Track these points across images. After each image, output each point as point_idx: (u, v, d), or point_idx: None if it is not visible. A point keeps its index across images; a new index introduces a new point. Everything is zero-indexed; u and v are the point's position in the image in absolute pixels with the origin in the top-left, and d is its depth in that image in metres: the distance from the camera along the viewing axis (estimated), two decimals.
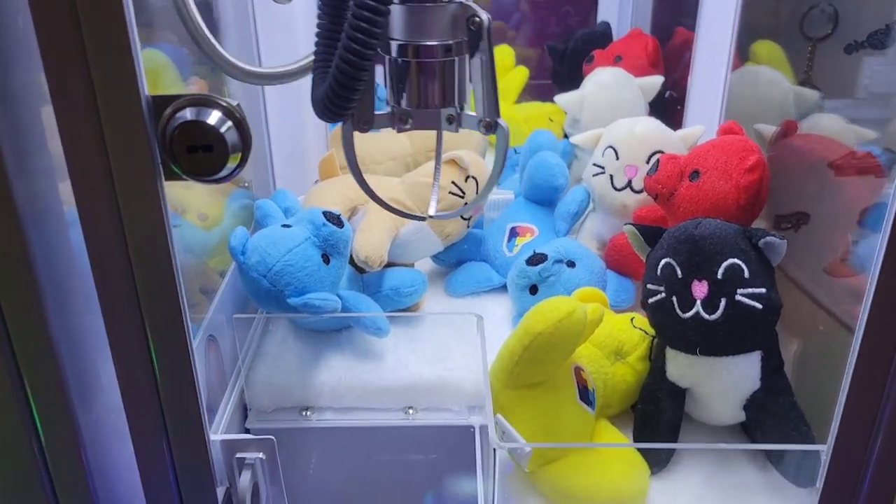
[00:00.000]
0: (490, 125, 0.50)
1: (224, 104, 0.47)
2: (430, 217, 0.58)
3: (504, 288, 1.00)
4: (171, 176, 0.49)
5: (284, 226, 0.84)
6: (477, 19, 0.48)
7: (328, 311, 0.80)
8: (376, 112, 0.52)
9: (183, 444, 0.58)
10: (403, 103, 0.51)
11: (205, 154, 0.47)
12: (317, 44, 0.50)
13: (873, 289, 0.55)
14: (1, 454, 0.53)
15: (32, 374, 0.52)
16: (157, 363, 0.54)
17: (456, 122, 0.52)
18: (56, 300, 0.51)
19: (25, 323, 0.50)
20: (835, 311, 0.73)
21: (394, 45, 0.49)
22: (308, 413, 0.86)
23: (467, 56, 0.50)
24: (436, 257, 1.05)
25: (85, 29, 0.44)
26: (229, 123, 0.48)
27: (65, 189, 0.49)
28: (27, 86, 0.47)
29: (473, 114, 0.51)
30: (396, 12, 0.48)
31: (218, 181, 0.49)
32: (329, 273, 0.82)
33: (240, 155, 0.49)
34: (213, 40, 0.56)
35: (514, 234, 1.04)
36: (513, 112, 1.42)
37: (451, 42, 0.49)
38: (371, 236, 0.91)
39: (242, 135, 0.48)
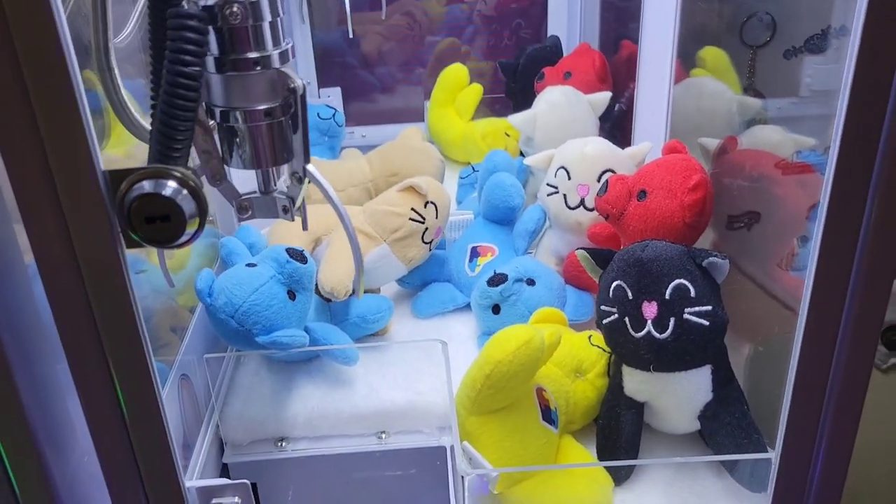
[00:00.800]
0: (300, 178, 0.57)
1: (178, 174, 0.49)
2: None
3: (469, 307, 1.03)
4: (132, 244, 0.51)
5: (249, 265, 0.86)
6: (292, 85, 0.52)
7: (296, 347, 0.82)
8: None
9: (158, 492, 0.60)
10: (233, 164, 0.56)
11: (163, 223, 0.49)
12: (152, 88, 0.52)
13: (810, 289, 0.57)
14: None
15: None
16: (127, 416, 0.56)
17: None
18: (21, 348, 0.52)
19: None
20: (791, 305, 0.75)
21: (217, 111, 0.53)
22: (283, 444, 0.88)
23: (289, 118, 0.54)
24: (401, 280, 1.07)
25: (39, 114, 0.45)
26: (185, 192, 0.49)
27: (25, 239, 0.50)
28: None
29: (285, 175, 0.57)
30: (216, 81, 0.52)
31: (178, 247, 0.51)
32: (295, 309, 0.84)
33: (197, 220, 0.51)
34: (130, 108, 0.59)
35: (475, 253, 1.07)
36: (470, 129, 1.44)
37: (274, 105, 0.53)
38: (335, 267, 0.93)
39: (198, 201, 0.50)
